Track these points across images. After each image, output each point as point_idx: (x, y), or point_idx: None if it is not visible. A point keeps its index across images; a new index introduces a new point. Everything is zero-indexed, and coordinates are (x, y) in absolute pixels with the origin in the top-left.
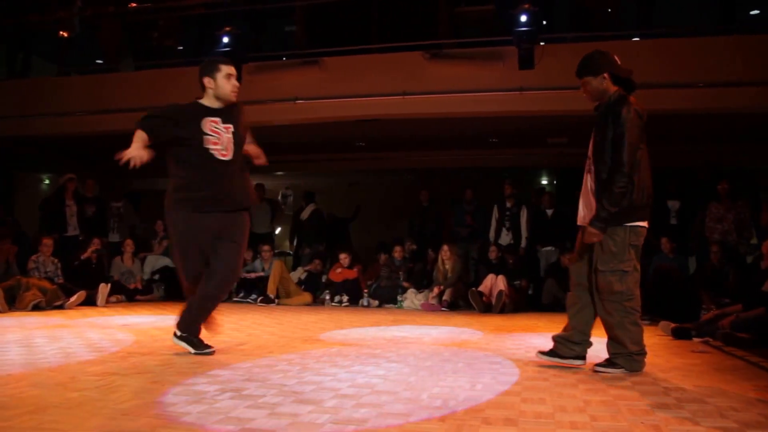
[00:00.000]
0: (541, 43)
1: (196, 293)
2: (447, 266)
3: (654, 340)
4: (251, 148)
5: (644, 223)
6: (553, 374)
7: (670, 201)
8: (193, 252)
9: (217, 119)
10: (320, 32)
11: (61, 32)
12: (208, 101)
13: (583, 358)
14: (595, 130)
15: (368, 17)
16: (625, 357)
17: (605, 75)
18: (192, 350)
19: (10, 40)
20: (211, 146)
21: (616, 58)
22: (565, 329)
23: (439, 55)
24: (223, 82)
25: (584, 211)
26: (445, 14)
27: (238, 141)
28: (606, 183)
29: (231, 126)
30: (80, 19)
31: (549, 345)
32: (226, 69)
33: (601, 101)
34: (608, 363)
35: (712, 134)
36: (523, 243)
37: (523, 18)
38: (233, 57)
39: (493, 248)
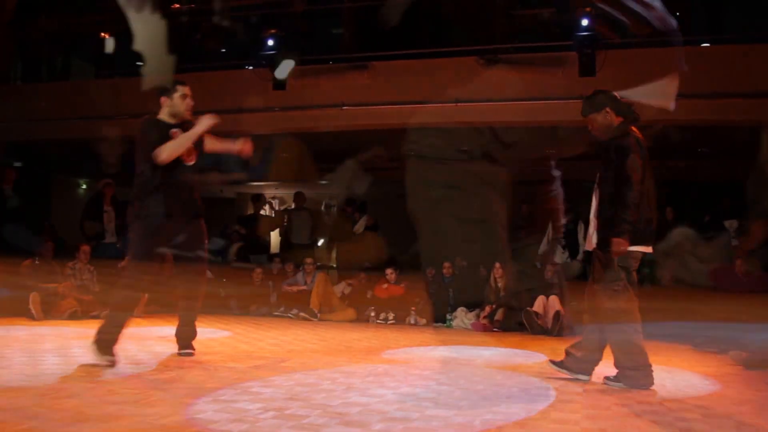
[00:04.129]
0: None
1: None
2: (499, 284)
3: (725, 369)
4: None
5: (639, 248)
6: (615, 403)
7: (726, 221)
8: None
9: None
10: (369, 35)
11: (102, 34)
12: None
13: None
14: (602, 158)
15: (420, 20)
16: (572, 357)
17: (607, 109)
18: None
19: (51, 43)
20: None
21: (615, 93)
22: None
23: (494, 61)
24: (179, 101)
25: (593, 234)
26: (501, 17)
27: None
28: (617, 199)
29: None
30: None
31: (611, 372)
32: (182, 89)
33: (608, 135)
34: (557, 363)
35: None
36: (580, 256)
37: (585, 22)
38: (278, 60)
39: (549, 267)
